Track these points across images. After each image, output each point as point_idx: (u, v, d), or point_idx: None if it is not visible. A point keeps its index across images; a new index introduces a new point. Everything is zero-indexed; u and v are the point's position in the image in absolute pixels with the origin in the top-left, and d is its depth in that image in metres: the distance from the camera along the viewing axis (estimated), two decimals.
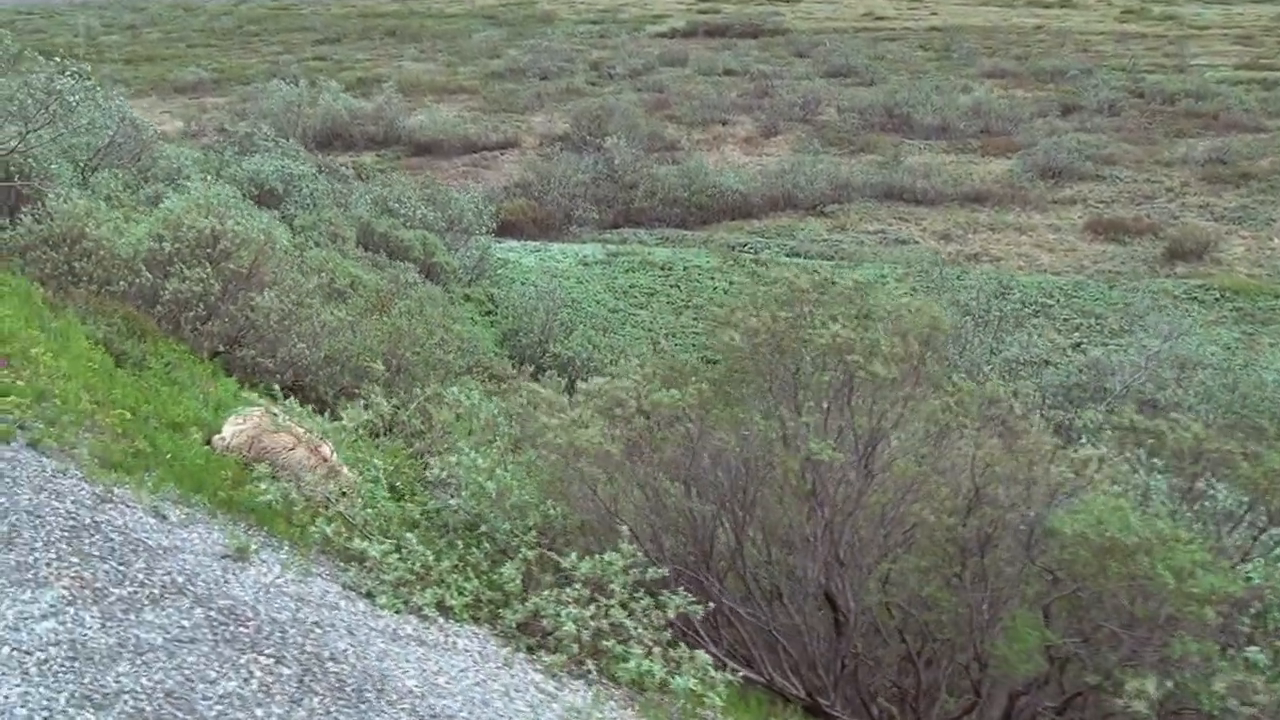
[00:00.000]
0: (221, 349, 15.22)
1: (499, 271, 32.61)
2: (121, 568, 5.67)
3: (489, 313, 27.79)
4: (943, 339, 7.89)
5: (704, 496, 8.01)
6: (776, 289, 8.29)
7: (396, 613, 6.69)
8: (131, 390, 10.25)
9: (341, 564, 7.49)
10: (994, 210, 42.26)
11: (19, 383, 8.23)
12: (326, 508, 8.05)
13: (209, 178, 21.53)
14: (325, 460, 9.24)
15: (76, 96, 17.04)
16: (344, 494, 8.01)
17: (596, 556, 6.96)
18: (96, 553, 5.76)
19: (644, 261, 35.79)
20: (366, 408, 10.79)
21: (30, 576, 5.30)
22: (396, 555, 7.16)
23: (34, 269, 13.77)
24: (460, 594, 7.07)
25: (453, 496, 7.81)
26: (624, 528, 7.18)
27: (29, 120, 16.48)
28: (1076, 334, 29.29)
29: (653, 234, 40.87)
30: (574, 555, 7.05)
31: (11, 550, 5.50)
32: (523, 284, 32.60)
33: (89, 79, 17.67)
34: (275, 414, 9.71)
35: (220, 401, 11.91)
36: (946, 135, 51.36)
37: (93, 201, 15.46)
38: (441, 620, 6.78)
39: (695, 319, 31.22)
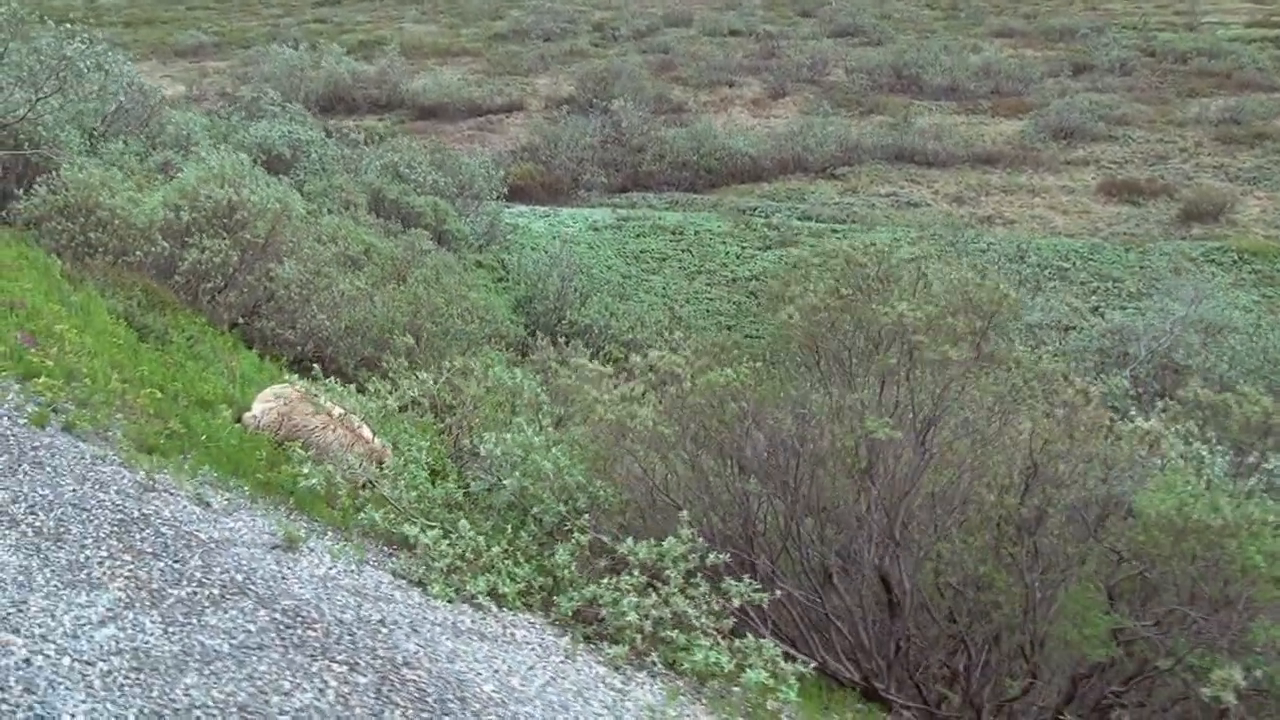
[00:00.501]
0: (240, 320, 14.97)
1: (508, 237, 32.26)
2: (177, 565, 5.41)
3: (501, 279, 27.46)
4: (1007, 315, 7.61)
5: (756, 476, 7.75)
6: (833, 263, 7.98)
7: (449, 602, 6.46)
8: (158, 367, 9.99)
9: (386, 548, 7.26)
10: (1006, 172, 41.82)
11: (48, 362, 7.96)
12: (368, 490, 7.81)
13: (220, 145, 21.18)
14: (366, 441, 8.99)
15: (87, 63, 16.66)
16: (385, 475, 7.76)
17: (654, 541, 6.71)
18: (149, 549, 5.50)
19: (654, 226, 35.41)
20: (404, 387, 10.56)
21: (84, 577, 5.05)
22: (446, 541, 6.92)
23: (49, 240, 13.47)
24: (512, 580, 6.84)
25: (502, 476, 7.54)
26: (683, 512, 6.91)
27: (38, 88, 16.10)
28: (1094, 298, 28.95)
29: (661, 198, 40.45)
30: (630, 540, 6.80)
31: (61, 547, 5.24)
32: (533, 249, 32.28)
33: (100, 44, 17.27)
34: (307, 390, 9.46)
35: (244, 375, 11.66)
36: (956, 96, 50.77)
37: (106, 171, 15.13)
38: (495, 609, 6.55)
39: (709, 284, 30.92)
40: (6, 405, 7.01)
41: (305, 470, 7.36)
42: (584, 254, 31.57)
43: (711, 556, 6.65)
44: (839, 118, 46.81)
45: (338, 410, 9.30)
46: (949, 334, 7.29)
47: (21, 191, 14.22)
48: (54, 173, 14.37)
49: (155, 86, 21.62)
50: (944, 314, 7.42)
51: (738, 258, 32.62)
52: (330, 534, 7.12)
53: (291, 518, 7.12)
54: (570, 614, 6.67)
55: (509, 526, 7.37)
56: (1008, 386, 7.50)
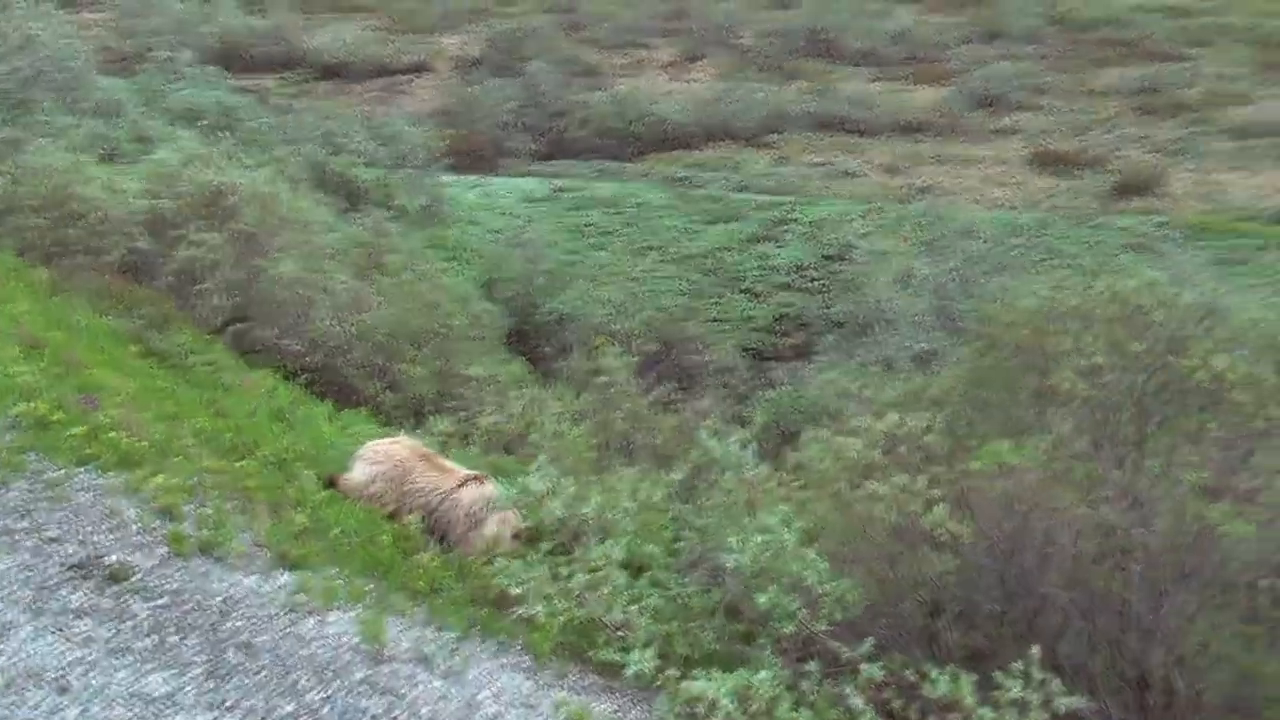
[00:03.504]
0: (233, 323, 12.97)
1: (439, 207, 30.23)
2: None
3: (451, 258, 25.53)
4: None
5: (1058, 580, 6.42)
6: (1104, 303, 6.65)
7: None
8: (206, 414, 8.16)
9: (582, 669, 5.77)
10: (935, 140, 41.35)
11: (127, 437, 6.15)
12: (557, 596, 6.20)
13: (146, 111, 18.83)
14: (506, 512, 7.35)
15: None
16: (577, 571, 6.13)
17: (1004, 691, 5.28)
18: None
19: (591, 198, 33.76)
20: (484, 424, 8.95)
21: None
22: (728, 693, 5.34)
23: (12, 239, 11.30)
24: None
25: (751, 587, 5.98)
26: (1034, 649, 5.44)
27: None
28: (1053, 275, 28.37)
29: (589, 165, 38.81)
30: (942, 676, 5.38)
31: None
32: (473, 224, 30.36)
33: None
34: (416, 444, 7.78)
35: (283, 410, 9.82)
36: (873, 61, 50.17)
37: (75, 154, 12.88)
38: None
39: (660, 260, 29.47)
40: (139, 531, 5.28)
41: (515, 589, 5.73)
42: (523, 228, 29.74)
43: (1067, 699, 5.26)
44: (762, 84, 45.61)
45: (460, 470, 7.64)
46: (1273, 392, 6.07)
47: None
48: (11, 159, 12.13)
49: (79, 46, 19.03)
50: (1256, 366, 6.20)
51: (684, 232, 31.23)
52: (551, 667, 5.56)
53: (501, 650, 5.57)
54: None
55: (757, 649, 5.86)
56: None
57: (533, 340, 20.71)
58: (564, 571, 6.26)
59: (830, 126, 42.47)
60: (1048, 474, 6.60)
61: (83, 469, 5.80)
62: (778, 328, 26.21)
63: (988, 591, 6.69)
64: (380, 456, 7.66)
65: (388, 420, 13.00)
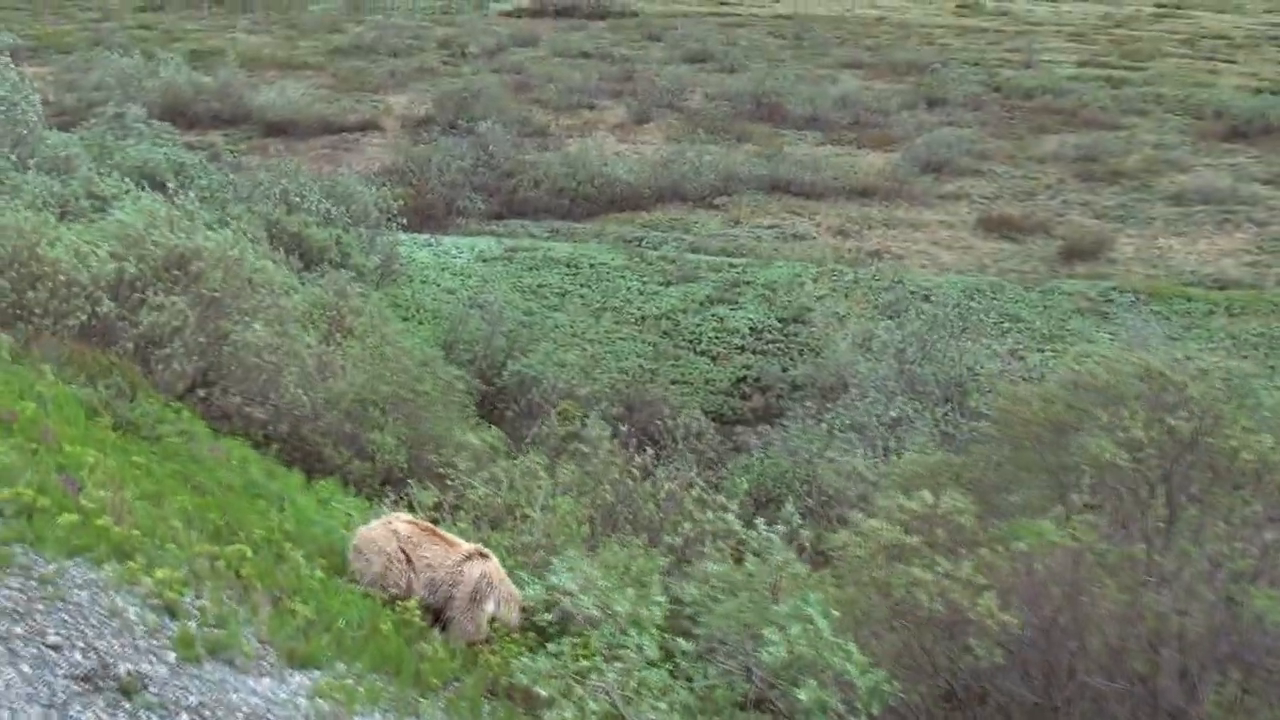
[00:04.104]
0: (194, 389, 12.41)
1: (402, 270, 29.78)
2: None
3: (405, 318, 25.07)
4: None
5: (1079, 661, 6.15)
6: (1137, 385, 6.44)
7: None
8: (185, 491, 7.66)
9: None
10: (883, 205, 41.74)
11: (116, 526, 5.66)
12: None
13: (99, 168, 18.27)
14: (511, 590, 6.94)
15: None
16: (627, 676, 5.75)
17: None
18: None
19: (546, 258, 33.52)
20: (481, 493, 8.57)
21: None
22: None
23: None
24: None
25: (791, 683, 5.62)
26: None
27: None
28: (1008, 339, 28.57)
29: (541, 225, 38.57)
30: None
31: None
32: (424, 283, 29.91)
33: None
34: (417, 520, 7.34)
35: (256, 482, 9.32)
36: (819, 126, 50.80)
37: (34, 211, 12.31)
38: None
39: (617, 322, 29.21)
40: (144, 633, 4.80)
41: (541, 689, 5.31)
42: (477, 288, 29.37)
43: None
44: (711, 146, 45.86)
45: (463, 543, 7.22)
46: None
47: None
48: None
49: (30, 99, 18.40)
50: None
51: (641, 294, 31.07)
52: None
53: None
54: None
55: None
56: None
57: (494, 403, 20.27)
58: (586, 664, 5.86)
59: (779, 189, 42.71)
60: (1086, 556, 6.35)
61: (73, 562, 5.31)
62: (738, 390, 26.01)
63: (1029, 680, 6.40)
64: (382, 538, 7.20)
65: (357, 490, 12.52)
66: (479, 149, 42.22)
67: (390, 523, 7.37)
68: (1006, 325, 29.70)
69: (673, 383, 25.35)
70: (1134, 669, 6.60)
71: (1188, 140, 48.29)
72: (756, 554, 7.38)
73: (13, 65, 15.10)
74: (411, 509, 9.81)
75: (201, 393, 12.20)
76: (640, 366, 26.13)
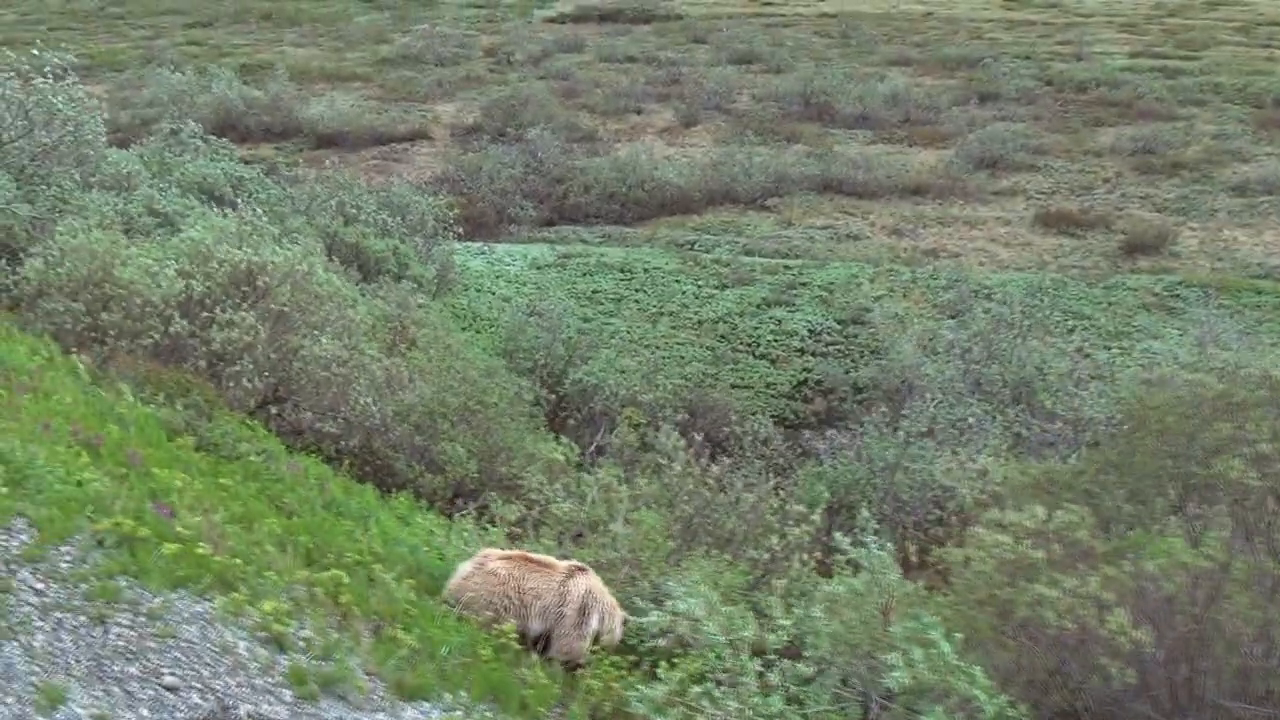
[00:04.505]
0: (266, 404, 12.35)
1: (450, 276, 29.74)
2: None
3: (465, 328, 24.98)
4: None
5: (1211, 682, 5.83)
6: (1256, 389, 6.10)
7: None
8: (271, 512, 7.53)
9: None
10: (937, 203, 41.17)
11: (215, 554, 5.51)
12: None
13: (159, 184, 18.31)
14: (615, 605, 6.74)
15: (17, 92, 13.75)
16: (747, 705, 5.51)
17: None
18: None
19: (599, 264, 33.35)
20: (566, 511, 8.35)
21: None
22: None
23: (45, 322, 10.69)
24: None
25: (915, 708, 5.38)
26: None
27: None
28: (1074, 337, 27.99)
29: (593, 231, 38.42)
30: None
31: None
32: (479, 291, 29.85)
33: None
34: (514, 548, 7.16)
35: (338, 501, 9.19)
36: (869, 124, 50.24)
37: (105, 231, 12.30)
38: None
39: (674, 327, 28.98)
40: (258, 671, 4.62)
41: (657, 717, 5.08)
42: (533, 295, 29.25)
43: None
44: (760, 147, 45.53)
45: (558, 562, 7.03)
46: None
47: (3, 264, 11.34)
48: (49, 239, 11.52)
49: (95, 117, 18.56)
50: None
51: (696, 297, 30.81)
52: None
53: None
54: None
55: None
56: None
57: (555, 411, 20.10)
58: (699, 690, 5.62)
59: (831, 189, 42.28)
60: (1217, 572, 6.02)
61: (178, 594, 5.17)
62: (799, 394, 25.69)
63: (1157, 703, 6.08)
64: (487, 567, 7.01)
65: (429, 504, 12.38)
66: (528, 156, 42.20)
67: (484, 564, 7.16)
68: (1071, 323, 29.11)
69: (733, 387, 25.08)
70: (1270, 689, 6.28)
71: (1248, 129, 47.24)
72: (858, 569, 7.10)
73: (80, 84, 15.05)
74: (492, 524, 9.63)
75: (273, 409, 12.11)
76: (701, 371, 25.88)
